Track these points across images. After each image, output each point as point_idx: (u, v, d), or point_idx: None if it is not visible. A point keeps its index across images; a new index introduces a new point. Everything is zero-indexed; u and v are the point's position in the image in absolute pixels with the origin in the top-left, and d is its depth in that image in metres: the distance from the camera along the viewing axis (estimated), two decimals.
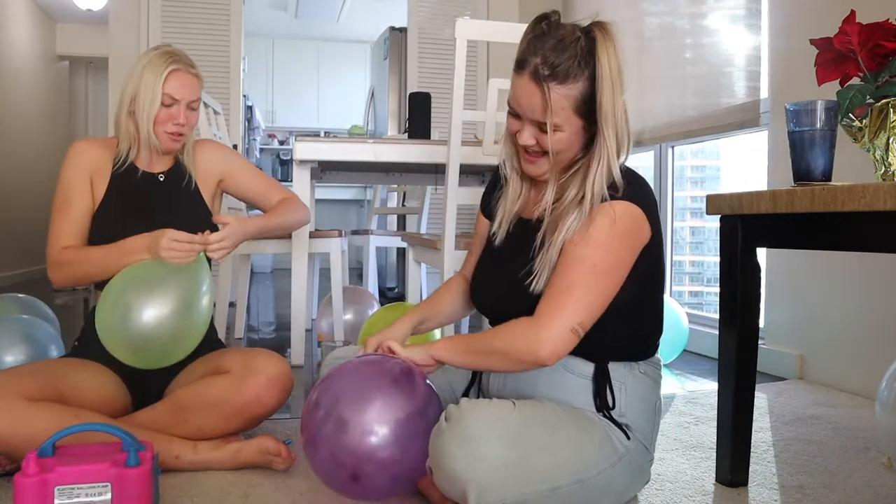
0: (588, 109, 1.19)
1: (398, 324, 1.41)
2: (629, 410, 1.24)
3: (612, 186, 1.19)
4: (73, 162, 1.66)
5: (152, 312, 1.38)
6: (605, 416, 1.23)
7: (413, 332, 1.43)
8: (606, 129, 1.18)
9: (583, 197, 1.19)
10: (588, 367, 1.25)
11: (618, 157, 1.20)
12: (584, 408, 1.23)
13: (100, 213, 1.62)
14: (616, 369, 1.25)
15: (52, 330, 2.04)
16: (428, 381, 1.24)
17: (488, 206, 1.44)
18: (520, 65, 1.21)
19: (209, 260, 1.53)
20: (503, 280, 1.30)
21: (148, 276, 1.44)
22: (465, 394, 1.43)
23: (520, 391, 1.29)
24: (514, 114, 1.24)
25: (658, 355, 1.34)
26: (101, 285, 1.59)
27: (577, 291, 1.15)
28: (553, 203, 1.26)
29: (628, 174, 1.23)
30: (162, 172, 1.71)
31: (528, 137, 1.23)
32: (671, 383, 2.43)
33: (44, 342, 1.94)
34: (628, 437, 1.22)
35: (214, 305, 1.86)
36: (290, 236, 2.56)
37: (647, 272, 1.24)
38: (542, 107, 1.18)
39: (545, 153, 1.23)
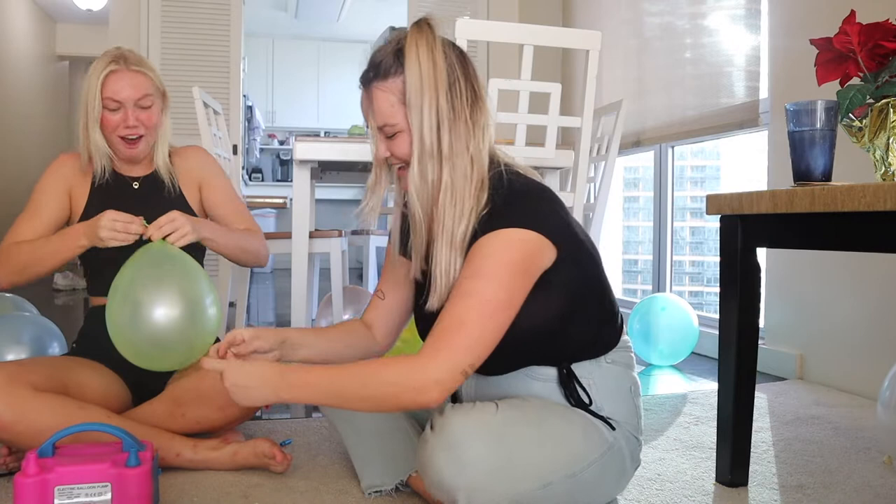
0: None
1: (265, 330, 1.29)
2: (606, 403, 1.21)
3: (493, 203, 1.13)
4: (51, 173, 1.64)
5: (165, 313, 1.34)
6: (585, 411, 1.20)
7: (276, 348, 1.28)
8: (413, 132, 1.13)
9: (444, 218, 1.13)
10: (552, 371, 1.21)
11: (444, 166, 1.13)
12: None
13: (84, 219, 1.59)
14: (581, 368, 1.21)
15: (54, 327, 2.03)
16: None
17: (403, 243, 1.33)
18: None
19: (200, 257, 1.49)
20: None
21: (160, 278, 1.39)
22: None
23: (486, 396, 1.25)
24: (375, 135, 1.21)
25: (625, 337, 1.29)
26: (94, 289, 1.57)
27: (468, 329, 1.07)
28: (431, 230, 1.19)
29: (518, 189, 1.16)
30: (137, 179, 1.68)
31: (382, 150, 1.19)
32: (679, 383, 2.43)
33: (44, 340, 1.94)
34: (613, 428, 1.20)
35: None
36: (289, 236, 2.56)
37: (578, 277, 1.19)
38: (375, 110, 1.16)
39: (407, 163, 1.17)
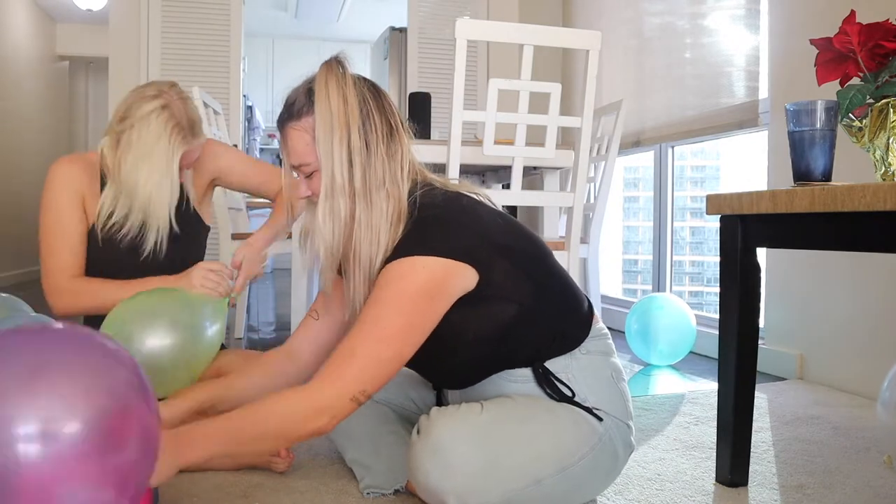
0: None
1: (175, 401, 1.25)
2: (589, 394, 1.20)
3: (406, 233, 1.13)
4: (59, 184, 1.56)
5: (159, 343, 1.38)
6: (570, 404, 1.19)
7: (195, 413, 1.25)
8: (323, 168, 1.13)
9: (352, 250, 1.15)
10: (526, 372, 1.20)
11: (340, 199, 1.13)
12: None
13: (94, 234, 1.59)
14: (555, 363, 1.20)
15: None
16: None
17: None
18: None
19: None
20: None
21: (156, 309, 1.43)
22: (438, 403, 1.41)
23: (472, 400, 1.24)
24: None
25: (598, 325, 1.28)
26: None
27: (362, 357, 1.06)
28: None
29: (422, 214, 1.15)
30: None
31: (303, 190, 1.19)
32: (678, 383, 2.43)
33: None
34: (601, 419, 1.19)
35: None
36: (289, 236, 2.56)
37: (519, 282, 1.17)
38: (290, 150, 1.17)
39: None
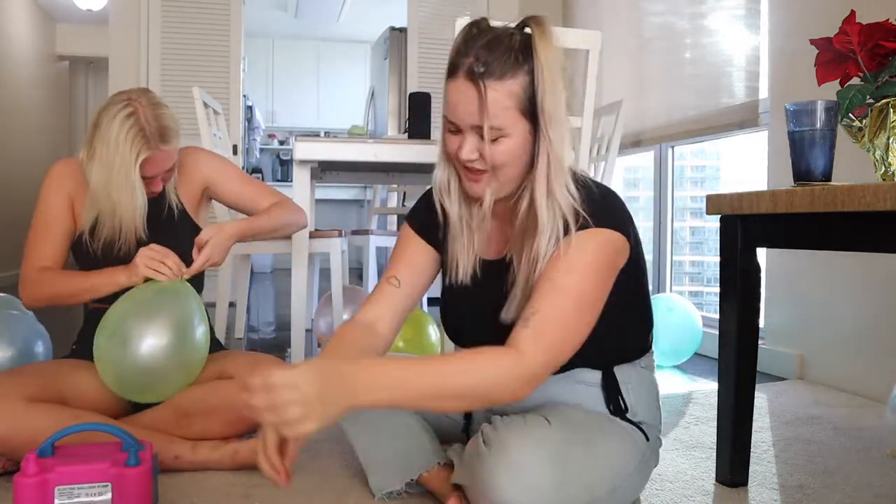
0: (533, 110, 1.07)
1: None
2: (640, 409, 1.24)
3: (584, 203, 1.11)
4: (52, 184, 1.61)
5: (152, 353, 1.38)
6: (621, 419, 1.23)
7: None
8: (552, 132, 1.07)
9: (545, 218, 1.09)
10: (595, 375, 1.24)
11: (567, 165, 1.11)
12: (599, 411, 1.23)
13: (82, 240, 1.60)
14: (621, 371, 1.25)
15: (38, 326, 2.02)
16: None
17: (430, 233, 1.28)
18: (452, 70, 1.08)
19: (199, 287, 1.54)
20: (489, 325, 1.17)
21: (146, 308, 1.43)
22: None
23: (526, 403, 1.23)
24: (452, 129, 1.11)
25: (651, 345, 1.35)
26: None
27: (562, 325, 1.06)
28: (517, 231, 1.15)
29: (601, 191, 1.16)
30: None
31: (469, 151, 1.09)
32: (680, 383, 2.43)
33: (29, 339, 1.93)
34: (648, 438, 1.23)
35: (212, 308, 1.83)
36: (290, 237, 2.56)
37: (634, 280, 1.21)
38: (481, 109, 1.05)
39: (485, 170, 1.11)
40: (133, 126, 1.49)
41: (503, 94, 1.05)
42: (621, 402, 1.23)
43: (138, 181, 1.52)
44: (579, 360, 1.18)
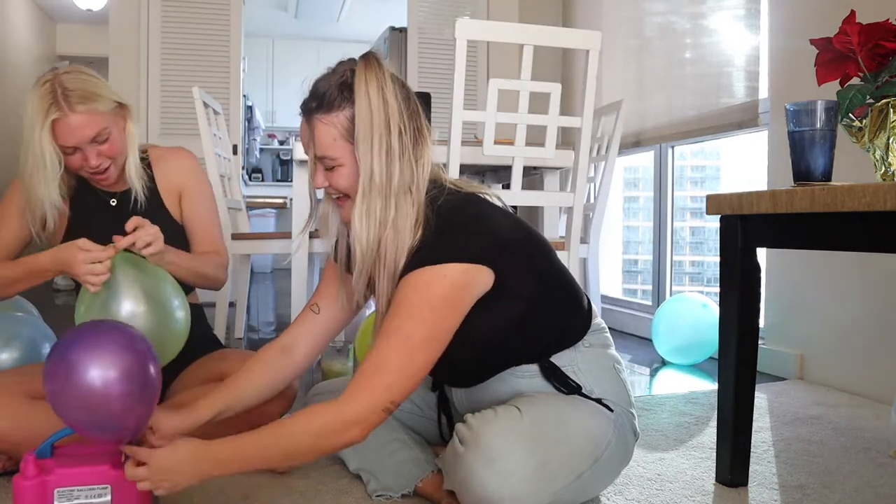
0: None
1: (197, 412, 1.23)
2: (595, 385, 1.24)
3: (424, 235, 1.14)
4: (18, 189, 1.52)
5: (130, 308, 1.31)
6: (581, 397, 1.23)
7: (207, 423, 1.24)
8: (362, 161, 1.12)
9: (366, 256, 1.15)
10: (533, 368, 1.24)
11: (373, 199, 1.13)
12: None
13: (66, 240, 1.50)
14: (561, 358, 1.24)
15: (45, 328, 2.03)
16: None
17: (347, 262, 1.29)
18: (300, 110, 1.19)
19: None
20: None
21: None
22: (439, 408, 1.42)
23: (480, 400, 1.28)
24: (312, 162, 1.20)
25: (597, 319, 1.31)
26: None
27: (391, 369, 1.07)
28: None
29: (440, 218, 1.15)
30: (114, 195, 1.60)
31: (320, 180, 1.18)
32: (678, 383, 2.43)
33: (35, 340, 1.93)
34: (611, 409, 1.23)
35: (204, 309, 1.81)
36: (289, 236, 2.56)
37: (531, 278, 1.19)
38: (316, 141, 1.15)
39: (346, 195, 1.18)
40: (46, 94, 1.41)
41: (328, 126, 1.14)
42: (571, 382, 1.22)
43: (48, 146, 1.41)
44: (502, 363, 1.22)
